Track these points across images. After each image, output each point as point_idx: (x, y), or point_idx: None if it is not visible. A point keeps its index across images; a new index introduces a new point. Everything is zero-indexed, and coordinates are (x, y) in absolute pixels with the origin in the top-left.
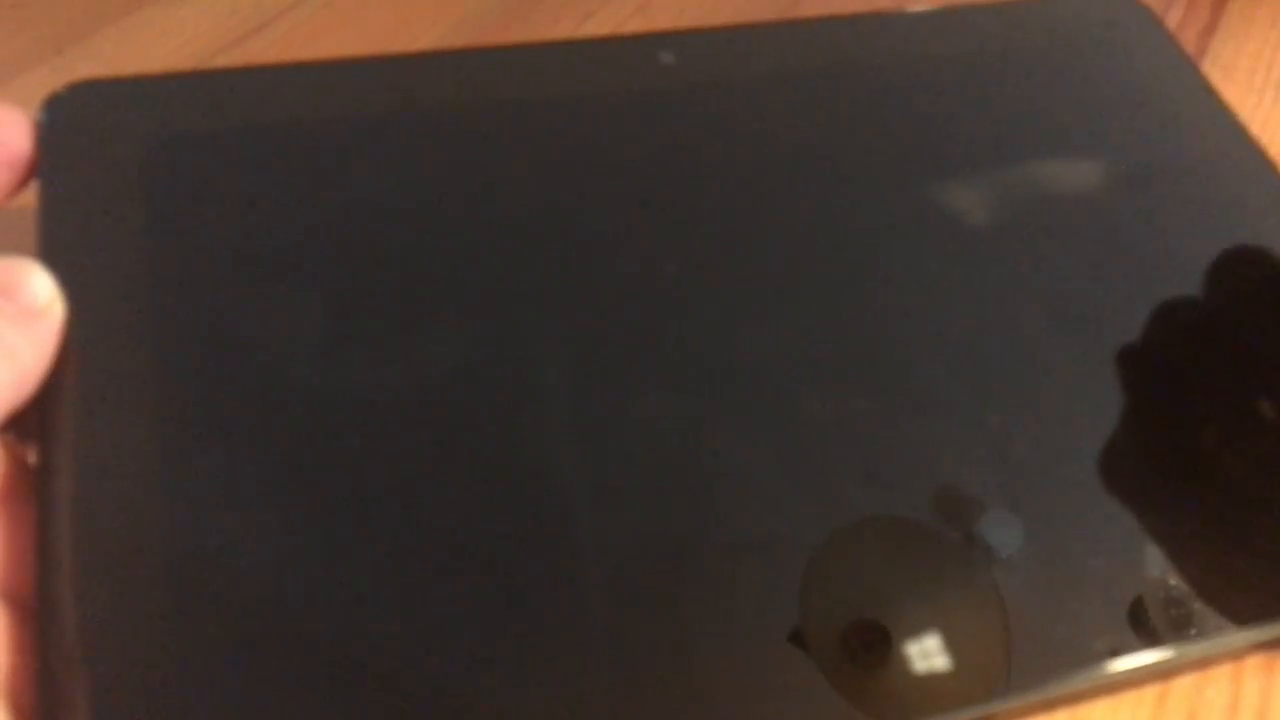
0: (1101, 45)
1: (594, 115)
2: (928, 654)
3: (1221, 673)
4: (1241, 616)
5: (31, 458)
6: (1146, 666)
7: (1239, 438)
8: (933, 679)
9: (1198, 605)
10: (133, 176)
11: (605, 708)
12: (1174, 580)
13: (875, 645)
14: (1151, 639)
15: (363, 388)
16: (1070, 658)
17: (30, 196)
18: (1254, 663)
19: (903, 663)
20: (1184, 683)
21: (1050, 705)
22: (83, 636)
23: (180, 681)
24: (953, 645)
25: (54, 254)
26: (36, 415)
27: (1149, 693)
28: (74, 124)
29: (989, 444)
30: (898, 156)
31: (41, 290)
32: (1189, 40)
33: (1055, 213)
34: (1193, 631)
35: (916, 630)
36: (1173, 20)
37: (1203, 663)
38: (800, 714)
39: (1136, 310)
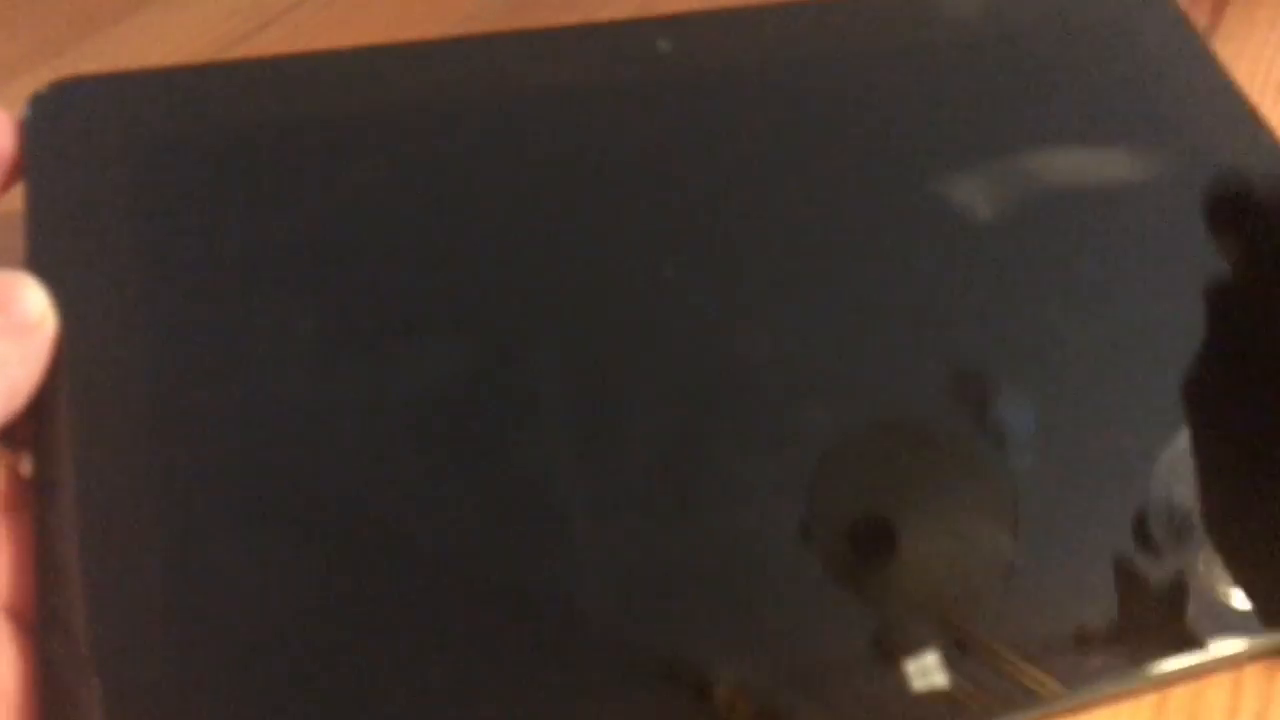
0: (1114, 28)
1: (588, 107)
2: (934, 549)
3: (1223, 675)
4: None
5: (24, 468)
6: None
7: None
8: (938, 573)
9: (1197, 516)
10: (122, 177)
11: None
12: (1179, 489)
13: (881, 540)
14: (1152, 550)
15: (363, 397)
16: (1078, 547)
17: (17, 201)
18: (1253, 667)
19: (910, 556)
20: (1183, 686)
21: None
22: (87, 647)
23: (187, 692)
24: (961, 537)
25: (43, 259)
26: (31, 427)
27: (1149, 694)
28: (60, 124)
29: (1005, 330)
30: (906, 144)
31: (34, 304)
32: None
33: (1067, 193)
34: (1195, 537)
35: (924, 524)
36: None
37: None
38: (807, 610)
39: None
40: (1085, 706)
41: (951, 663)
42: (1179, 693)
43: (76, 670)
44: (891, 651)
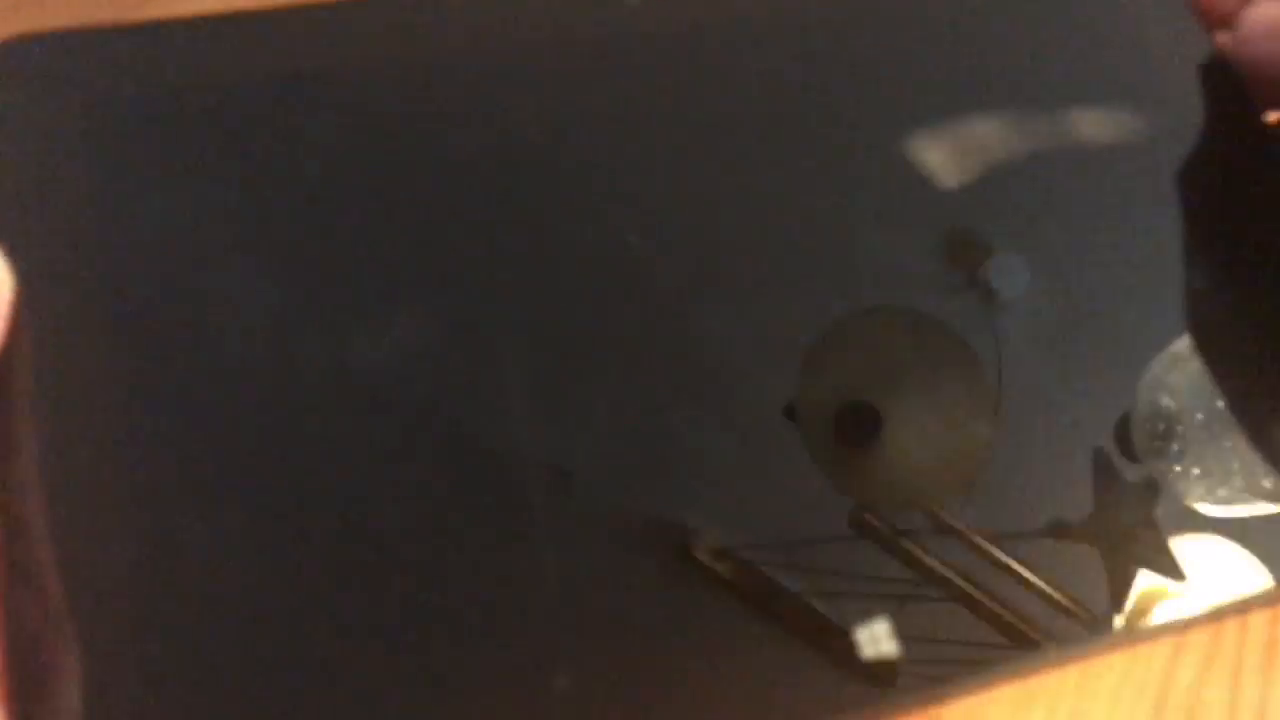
0: None
1: (554, 64)
2: (921, 434)
3: (1221, 674)
4: None
5: None
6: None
7: None
8: (921, 457)
9: (1181, 427)
10: (80, 136)
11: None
12: (1165, 399)
13: (866, 424)
14: (1131, 456)
15: (327, 366)
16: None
17: None
18: (1253, 663)
19: (893, 440)
20: (1182, 682)
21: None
22: (60, 603)
23: (153, 679)
24: (945, 422)
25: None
26: None
27: (1148, 692)
28: (15, 81)
29: (995, 191)
30: (879, 103)
31: None
32: None
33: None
34: (1174, 448)
35: (908, 409)
36: None
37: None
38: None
39: None
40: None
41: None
42: (1178, 690)
43: (50, 625)
44: (873, 531)
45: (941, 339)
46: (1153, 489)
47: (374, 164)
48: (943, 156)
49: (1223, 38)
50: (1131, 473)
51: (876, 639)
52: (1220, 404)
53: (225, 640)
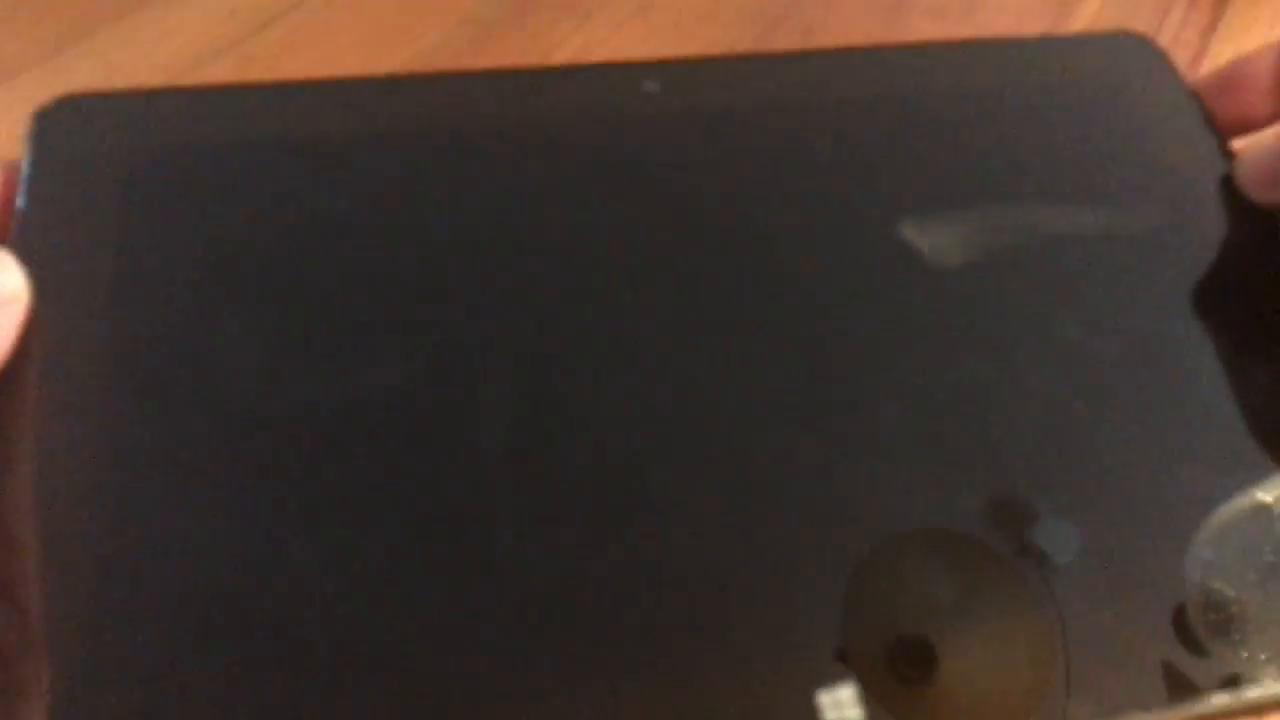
0: (1106, 86)
1: (573, 143)
2: (979, 671)
3: None
4: None
5: None
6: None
7: None
8: (984, 696)
9: (1236, 598)
10: (113, 191)
11: None
12: (1217, 584)
13: (922, 663)
14: (1195, 647)
15: (317, 398)
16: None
17: None
18: None
19: (953, 681)
20: None
21: None
22: (37, 622)
23: (134, 671)
24: (1005, 659)
25: (27, 250)
26: None
27: None
28: (59, 138)
29: (1041, 450)
30: (885, 195)
31: (10, 280)
32: (1189, 40)
33: (1053, 246)
34: (1235, 638)
35: (966, 646)
36: (1173, 20)
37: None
38: None
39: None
40: None
41: None
42: None
43: (25, 644)
44: None
45: (985, 560)
46: (1229, 686)
47: (389, 224)
48: (943, 239)
49: (1240, 144)
50: (1202, 672)
51: (840, 704)
52: (1270, 558)
53: (194, 666)
